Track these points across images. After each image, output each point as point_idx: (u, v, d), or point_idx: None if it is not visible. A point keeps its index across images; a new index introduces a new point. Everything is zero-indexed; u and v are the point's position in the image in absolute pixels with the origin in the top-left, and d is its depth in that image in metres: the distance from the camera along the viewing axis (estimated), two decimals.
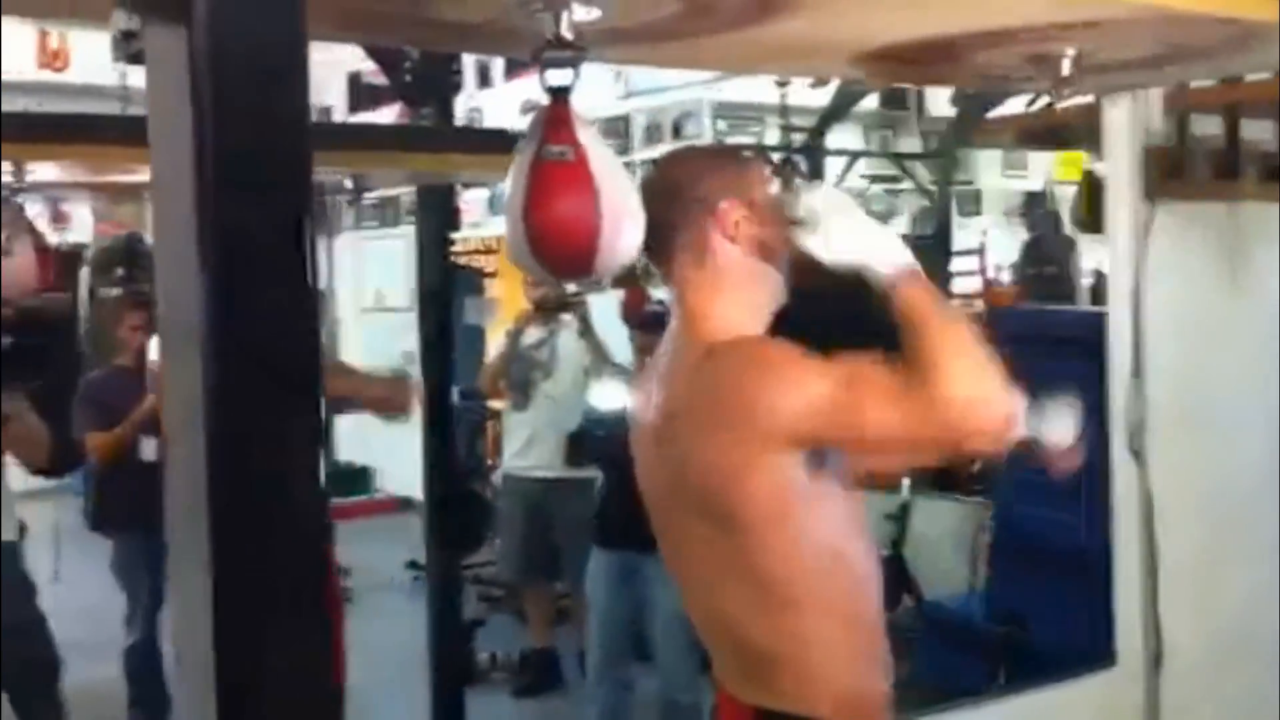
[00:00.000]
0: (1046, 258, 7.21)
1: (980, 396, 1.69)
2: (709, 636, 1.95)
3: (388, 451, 7.52)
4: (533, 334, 5.21)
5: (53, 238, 4.48)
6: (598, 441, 4.47)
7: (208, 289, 0.99)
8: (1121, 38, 1.92)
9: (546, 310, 5.11)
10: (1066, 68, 2.01)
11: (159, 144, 1.10)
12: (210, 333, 0.99)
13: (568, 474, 5.02)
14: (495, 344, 5.44)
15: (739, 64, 2.52)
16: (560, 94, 1.65)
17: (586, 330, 5.08)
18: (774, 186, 1.88)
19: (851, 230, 1.78)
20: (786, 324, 1.91)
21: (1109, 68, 2.16)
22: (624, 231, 1.62)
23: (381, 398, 3.62)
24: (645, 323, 4.31)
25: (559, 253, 1.64)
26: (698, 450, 1.79)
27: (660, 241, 1.82)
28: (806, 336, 1.80)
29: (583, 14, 1.59)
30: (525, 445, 5.27)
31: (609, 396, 4.33)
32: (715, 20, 1.69)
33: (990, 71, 2.18)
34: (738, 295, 1.87)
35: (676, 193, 1.86)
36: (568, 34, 1.60)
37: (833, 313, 2.07)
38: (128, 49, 1.13)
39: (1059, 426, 2.02)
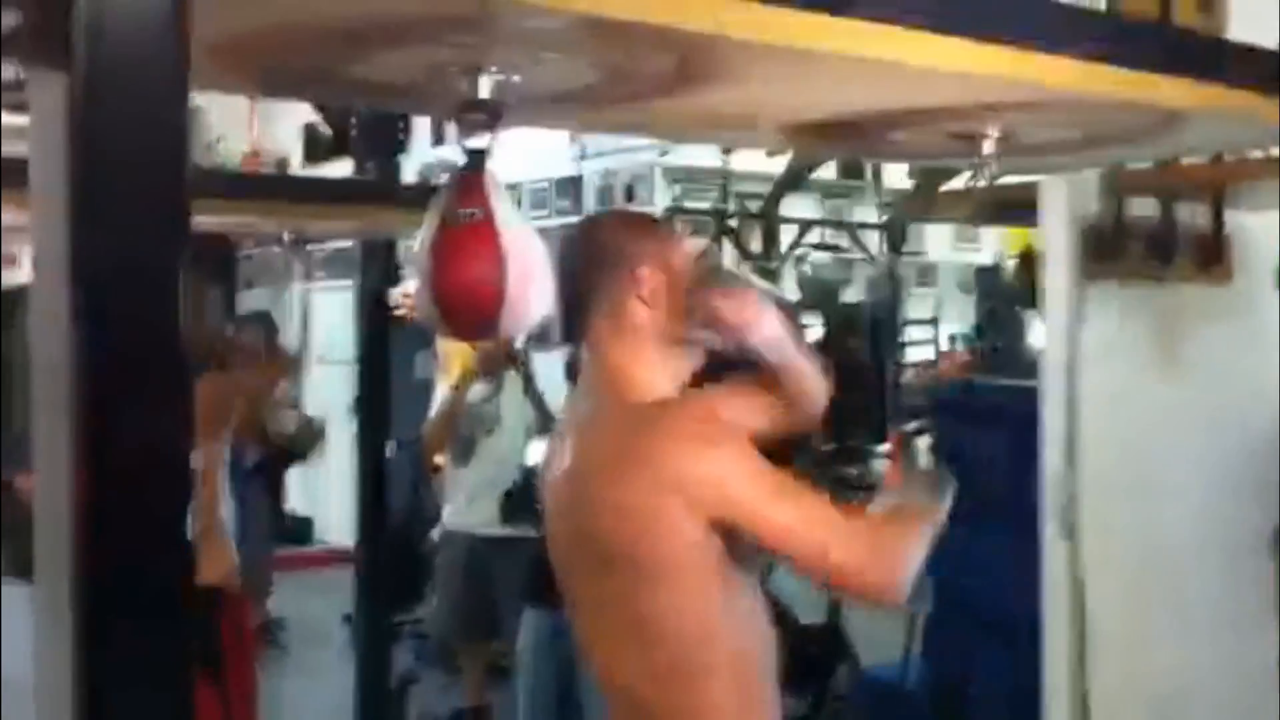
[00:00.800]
0: (999, 330, 7.26)
1: (904, 585, 1.84)
2: (608, 698, 1.94)
3: (330, 502, 7.46)
4: (478, 390, 5.20)
5: None
6: (534, 498, 4.45)
7: (77, 337, 0.98)
8: (1040, 121, 1.94)
9: (490, 367, 5.11)
10: (988, 147, 2.04)
11: (38, 191, 1.10)
12: (79, 386, 0.98)
13: (507, 532, 5.00)
14: (439, 399, 5.42)
15: (670, 131, 2.54)
16: (475, 156, 1.65)
17: (529, 387, 5.08)
18: (692, 252, 1.91)
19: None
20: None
21: (1034, 149, 2.19)
22: (531, 293, 1.63)
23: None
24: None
25: (463, 313, 1.65)
26: (612, 503, 1.79)
27: (577, 302, 1.83)
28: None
29: (500, 79, 1.59)
30: (466, 501, 5.24)
31: None
32: (633, 89, 1.70)
33: (916, 148, 2.21)
34: (655, 357, 1.89)
35: (596, 256, 1.87)
36: (485, 95, 1.60)
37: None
38: (15, 98, 1.13)
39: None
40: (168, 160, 0.99)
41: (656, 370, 1.90)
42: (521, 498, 4.79)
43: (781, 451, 1.96)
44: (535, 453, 4.56)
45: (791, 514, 1.79)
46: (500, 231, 1.64)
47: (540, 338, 1.93)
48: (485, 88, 1.60)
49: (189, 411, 1.05)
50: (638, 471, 1.76)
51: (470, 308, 1.63)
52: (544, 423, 4.88)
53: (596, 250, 1.90)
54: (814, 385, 2.07)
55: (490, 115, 1.62)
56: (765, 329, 1.94)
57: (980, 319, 7.69)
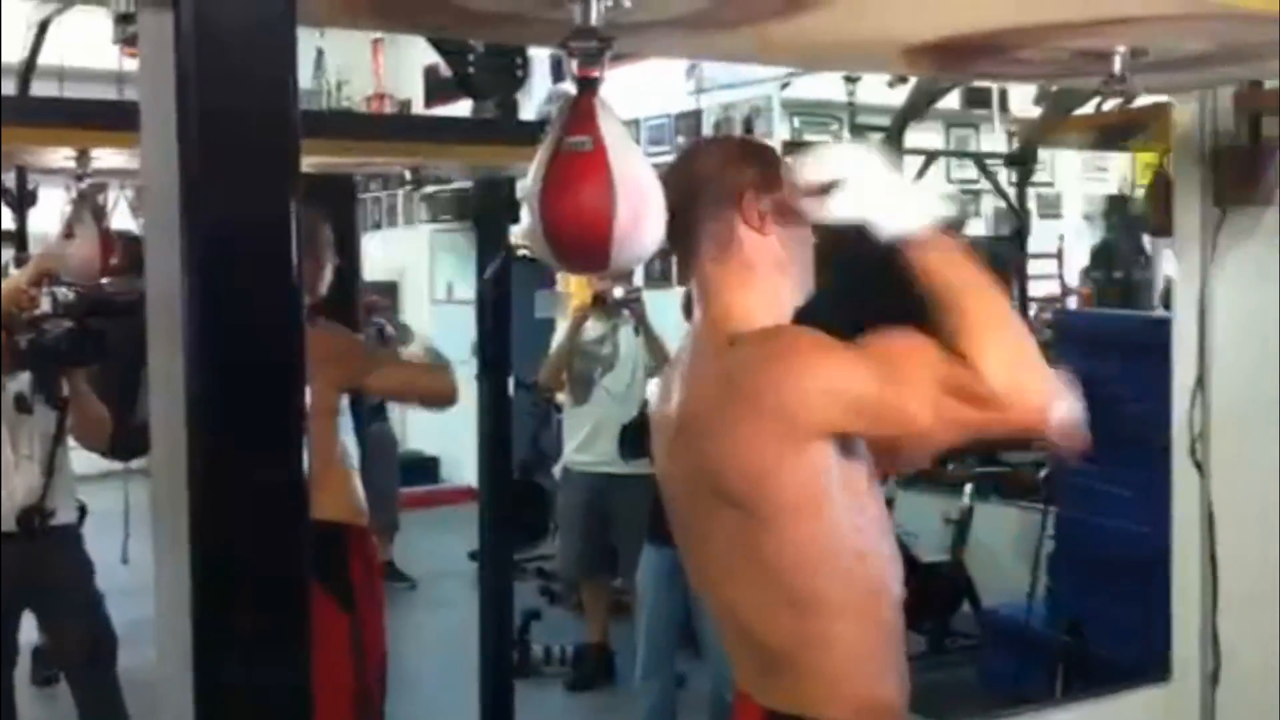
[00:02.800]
0: (1116, 262, 7.10)
1: (1021, 369, 1.69)
2: (727, 635, 1.93)
3: (455, 441, 7.58)
4: (594, 329, 5.22)
5: (131, 225, 4.53)
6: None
7: (191, 281, 0.98)
8: (1173, 34, 1.86)
9: (605, 305, 5.12)
10: (1118, 65, 1.96)
11: (148, 130, 1.10)
12: (191, 324, 0.98)
13: (627, 469, 5.02)
14: (556, 338, 5.46)
15: (786, 56, 2.48)
16: (587, 85, 1.63)
17: (643, 325, 5.09)
18: (799, 179, 1.85)
19: (874, 188, 1.75)
20: (812, 310, 1.90)
21: (1165, 65, 2.10)
22: (643, 225, 1.60)
23: (425, 389, 3.67)
24: None
25: (573, 244, 1.63)
26: (724, 441, 1.77)
27: (683, 234, 1.80)
28: (834, 321, 1.79)
29: (609, 4, 1.57)
30: (586, 440, 5.29)
31: None
32: (744, 12, 1.66)
33: (1042, 68, 2.14)
34: (762, 287, 1.86)
35: (700, 184, 1.84)
36: (596, 23, 1.58)
37: (862, 296, 2.05)
38: (123, 33, 1.13)
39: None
40: (279, 96, 0.99)
41: (766, 299, 1.86)
42: (639, 434, 4.81)
43: None
44: (654, 390, 4.56)
45: (907, 390, 1.69)
46: (611, 161, 1.61)
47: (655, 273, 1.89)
48: (595, 14, 1.58)
49: (300, 352, 1.06)
50: (745, 407, 1.74)
51: (578, 238, 1.61)
52: (660, 360, 4.90)
53: (699, 178, 1.86)
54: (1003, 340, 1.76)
55: (601, 42, 1.60)
56: (857, 179, 1.74)
57: (1095, 251, 7.54)
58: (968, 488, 5.19)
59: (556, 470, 5.77)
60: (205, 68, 0.95)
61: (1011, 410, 1.68)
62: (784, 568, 1.80)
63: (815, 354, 1.73)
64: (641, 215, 1.63)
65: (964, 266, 1.74)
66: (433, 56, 7.83)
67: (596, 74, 1.64)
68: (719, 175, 1.86)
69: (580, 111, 1.64)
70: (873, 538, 1.87)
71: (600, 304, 5.16)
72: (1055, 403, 1.73)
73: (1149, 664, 3.51)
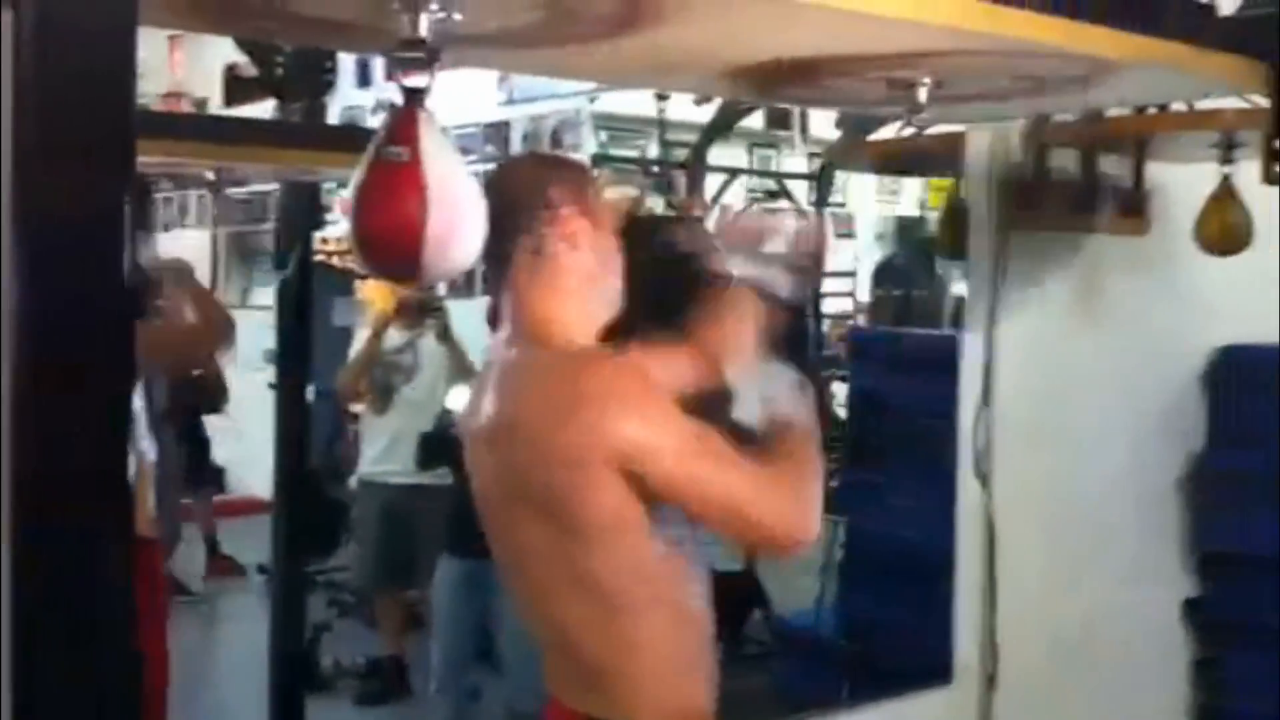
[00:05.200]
0: (901, 281, 7.33)
1: (812, 520, 1.86)
2: (543, 643, 1.95)
3: (243, 451, 7.36)
4: (396, 337, 5.15)
5: None
6: (451, 446, 4.46)
7: (18, 275, 0.95)
8: (977, 69, 1.96)
9: (407, 314, 5.06)
10: (923, 96, 2.05)
11: None
12: (17, 318, 0.95)
13: (426, 480, 4.97)
14: (355, 346, 5.36)
15: (609, 74, 2.51)
16: (413, 95, 1.62)
17: (445, 335, 5.04)
18: (610, 198, 1.92)
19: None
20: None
21: (967, 98, 2.20)
22: (457, 238, 1.59)
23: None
24: None
25: (384, 254, 1.62)
26: (542, 454, 1.79)
27: (499, 245, 1.82)
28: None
29: (440, 16, 1.57)
30: (384, 450, 5.21)
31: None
32: (579, 28, 1.68)
33: (853, 95, 2.22)
34: (574, 301, 1.89)
35: (516, 198, 1.86)
36: (424, 34, 1.58)
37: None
38: None
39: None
40: (117, 97, 0.96)
41: (580, 313, 1.90)
42: (439, 444, 4.77)
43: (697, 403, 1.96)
44: (454, 400, 4.55)
45: (709, 477, 1.80)
46: (426, 172, 1.59)
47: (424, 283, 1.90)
48: (425, 25, 1.58)
49: (130, 351, 1.03)
50: (566, 424, 1.76)
51: (388, 248, 1.60)
52: (462, 371, 4.86)
53: (518, 192, 1.89)
54: (747, 341, 2.08)
55: (428, 54, 1.60)
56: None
57: (878, 269, 7.78)
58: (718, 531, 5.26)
59: (353, 481, 5.66)
60: (42, 66, 0.92)
61: (787, 552, 1.93)
62: (599, 575, 1.83)
63: (646, 403, 1.78)
64: (455, 228, 1.61)
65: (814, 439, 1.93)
66: (233, 55, 7.64)
67: (422, 84, 1.64)
68: (534, 190, 1.89)
69: (402, 121, 1.63)
70: (685, 545, 1.91)
71: (402, 313, 5.10)
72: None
73: (930, 669, 3.65)
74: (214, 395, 6.00)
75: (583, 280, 1.89)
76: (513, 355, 1.91)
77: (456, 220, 1.60)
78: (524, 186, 1.89)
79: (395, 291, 5.13)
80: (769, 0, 1.42)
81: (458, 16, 1.58)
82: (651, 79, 2.65)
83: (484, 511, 1.95)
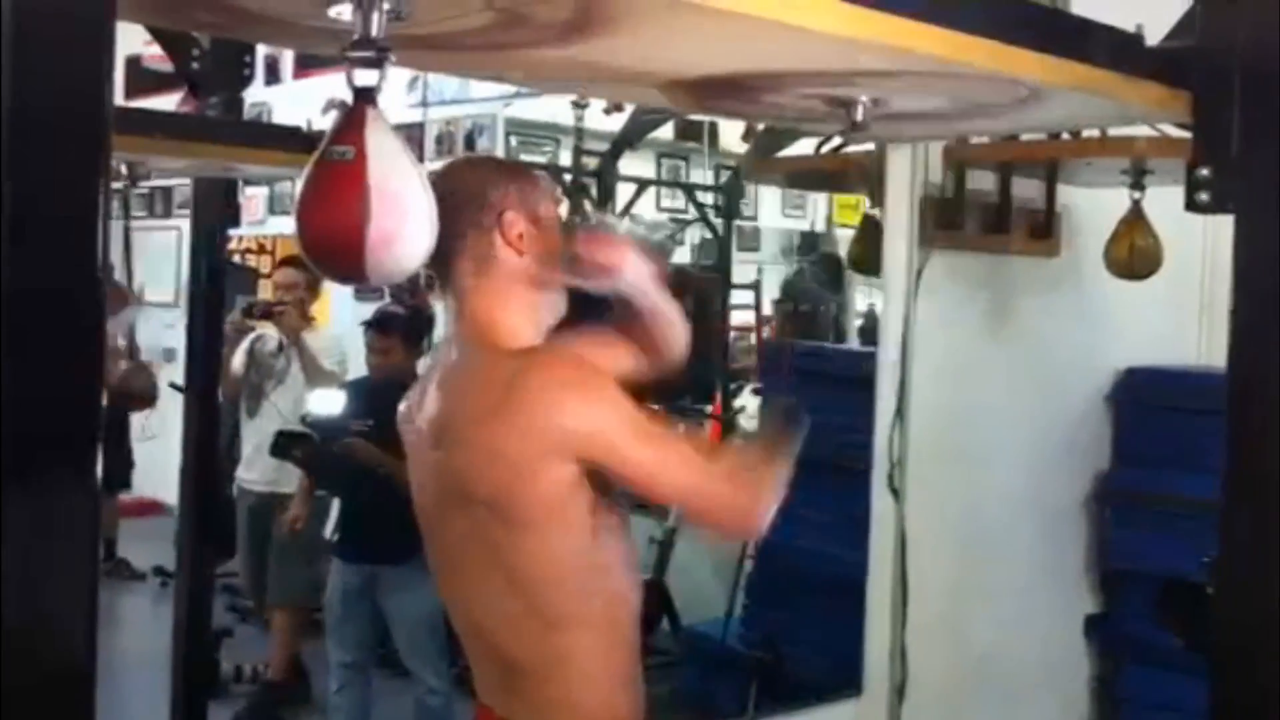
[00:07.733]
0: (803, 295, 7.40)
1: (764, 522, 1.95)
2: (471, 648, 1.95)
3: (145, 452, 7.21)
4: (271, 340, 5.03)
5: None
6: (330, 456, 4.45)
7: None
8: (916, 89, 1.98)
9: (253, 317, 4.94)
10: (860, 114, 2.07)
11: None
12: None
13: (281, 489, 4.89)
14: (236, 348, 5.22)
15: (552, 81, 2.51)
16: (362, 94, 1.61)
17: (295, 339, 4.91)
18: (557, 202, 1.94)
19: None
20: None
21: (901, 117, 2.23)
22: (401, 238, 1.57)
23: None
24: (381, 324, 4.44)
25: (325, 253, 1.60)
26: (490, 452, 1.78)
27: (443, 249, 1.81)
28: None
29: (391, 15, 1.55)
30: (251, 456, 5.10)
31: (325, 403, 4.42)
32: (528, 34, 1.67)
33: (790, 112, 2.24)
34: (520, 304, 1.91)
35: (461, 202, 1.86)
36: (375, 33, 1.56)
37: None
38: None
39: None
40: (92, 87, 0.94)
41: (524, 316, 1.91)
42: (291, 440, 4.67)
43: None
44: (314, 404, 4.52)
45: (659, 456, 1.84)
46: (369, 172, 1.57)
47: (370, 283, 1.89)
48: (376, 24, 1.56)
49: (100, 349, 1.01)
50: (509, 420, 1.77)
51: (330, 248, 1.58)
52: (314, 375, 4.77)
53: (463, 193, 1.89)
54: (677, 331, 2.16)
55: (379, 53, 1.58)
56: (633, 271, 2.00)
57: (784, 283, 7.86)
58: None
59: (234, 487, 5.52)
60: (18, 54, 0.90)
61: (732, 535, 1.99)
62: (530, 580, 1.83)
63: (601, 394, 1.80)
64: (399, 229, 1.59)
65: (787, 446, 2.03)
66: (135, 47, 7.46)
67: (371, 84, 1.62)
68: (480, 194, 1.90)
69: (350, 121, 1.61)
70: (616, 553, 1.93)
71: (248, 316, 4.94)
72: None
73: (840, 681, 3.68)
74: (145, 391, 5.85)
75: (527, 284, 1.90)
76: (457, 356, 1.91)
77: (401, 221, 1.58)
78: (470, 191, 1.89)
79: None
80: (697, 13, 1.42)
81: (408, 13, 1.57)
82: (598, 88, 2.66)
83: (421, 513, 1.95)
